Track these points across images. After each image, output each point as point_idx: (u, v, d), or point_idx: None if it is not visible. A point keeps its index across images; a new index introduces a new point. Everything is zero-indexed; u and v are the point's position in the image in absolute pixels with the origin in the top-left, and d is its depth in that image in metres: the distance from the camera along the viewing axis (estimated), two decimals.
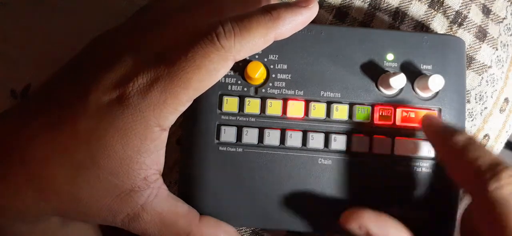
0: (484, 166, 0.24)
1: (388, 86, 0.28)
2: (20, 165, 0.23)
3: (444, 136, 0.26)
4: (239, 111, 0.29)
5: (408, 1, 0.34)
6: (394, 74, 0.27)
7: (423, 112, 0.29)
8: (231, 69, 0.24)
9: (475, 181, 0.24)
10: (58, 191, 0.23)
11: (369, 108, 0.29)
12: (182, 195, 0.28)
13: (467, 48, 0.34)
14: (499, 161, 0.24)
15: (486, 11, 0.35)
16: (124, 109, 0.23)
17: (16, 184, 0.23)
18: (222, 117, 0.29)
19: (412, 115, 0.29)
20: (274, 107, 0.29)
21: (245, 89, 0.29)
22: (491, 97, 0.35)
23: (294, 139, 0.29)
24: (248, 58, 0.29)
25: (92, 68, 0.25)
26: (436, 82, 0.27)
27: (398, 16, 0.34)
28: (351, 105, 0.29)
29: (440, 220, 0.29)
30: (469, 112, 0.34)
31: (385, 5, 0.34)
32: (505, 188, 0.23)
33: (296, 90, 0.29)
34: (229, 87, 0.29)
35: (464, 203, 0.36)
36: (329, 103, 0.29)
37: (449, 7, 0.34)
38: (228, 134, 0.29)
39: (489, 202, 0.23)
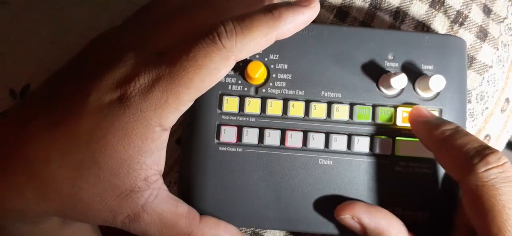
0: (472, 151, 0.24)
1: (389, 86, 0.28)
2: (20, 165, 0.23)
3: (433, 125, 0.27)
4: (239, 111, 0.29)
5: (409, 1, 0.34)
6: (395, 74, 0.27)
7: None
8: (231, 69, 0.24)
9: (463, 167, 0.24)
10: (58, 191, 0.23)
11: (370, 108, 0.29)
12: (182, 195, 0.28)
13: (468, 48, 0.34)
14: (487, 146, 0.25)
15: (487, 11, 0.35)
16: (125, 109, 0.23)
17: (17, 184, 0.23)
18: (222, 117, 0.29)
19: None
20: (274, 107, 0.29)
21: (246, 89, 0.29)
22: (492, 97, 0.35)
23: (294, 139, 0.29)
24: (248, 58, 0.28)
25: (93, 68, 0.25)
26: (437, 82, 0.27)
27: (399, 16, 0.34)
28: (352, 105, 0.29)
29: (440, 221, 0.29)
30: (470, 112, 0.34)
31: (386, 5, 0.34)
32: (492, 172, 0.23)
33: (297, 90, 0.29)
34: (229, 86, 0.29)
35: None
36: (329, 103, 0.29)
37: (450, 7, 0.34)
38: (228, 134, 0.29)
39: (477, 186, 0.23)
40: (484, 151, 0.24)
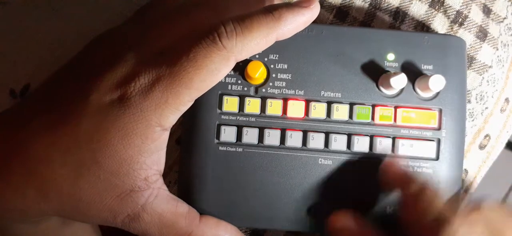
0: (431, 218, 0.24)
1: (388, 86, 0.28)
2: (20, 165, 0.23)
3: (401, 182, 0.27)
4: (239, 111, 0.29)
5: (409, 1, 0.34)
6: (395, 74, 0.27)
7: (424, 112, 0.29)
8: (231, 69, 0.24)
9: (430, 231, 0.24)
10: (59, 191, 0.23)
11: (370, 108, 0.29)
12: (182, 195, 0.28)
13: (468, 48, 0.34)
14: (445, 213, 0.24)
15: (487, 11, 0.35)
16: (125, 109, 0.23)
17: (17, 184, 0.23)
18: (222, 116, 0.29)
19: (413, 115, 0.29)
20: (274, 107, 0.29)
21: (245, 88, 0.29)
22: (492, 97, 0.35)
23: (294, 139, 0.29)
24: (248, 58, 0.28)
25: (93, 68, 0.25)
26: (437, 82, 0.27)
27: (399, 16, 0.34)
28: (352, 105, 0.29)
29: None
30: (470, 112, 0.34)
31: (386, 5, 0.34)
32: None
33: (297, 90, 0.29)
34: (229, 86, 0.29)
35: (464, 203, 0.36)
36: (329, 103, 0.29)
37: (450, 7, 0.34)
38: (228, 134, 0.29)
39: None
40: (442, 221, 0.24)
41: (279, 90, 0.29)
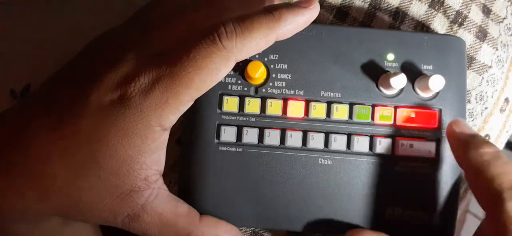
0: (507, 184, 0.23)
1: (388, 86, 0.28)
2: (21, 165, 0.23)
3: (470, 144, 0.25)
4: (239, 111, 0.29)
5: (409, 1, 0.34)
6: (395, 74, 0.27)
7: (423, 112, 0.29)
8: (231, 69, 0.24)
9: (492, 200, 0.23)
10: (59, 191, 0.23)
11: (370, 108, 0.29)
12: (182, 195, 0.28)
13: (468, 48, 0.34)
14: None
15: (487, 11, 0.35)
16: (125, 109, 0.23)
17: (17, 185, 0.23)
18: (222, 116, 0.29)
19: (413, 115, 0.29)
20: (274, 107, 0.29)
21: (245, 88, 0.29)
22: (492, 97, 0.35)
23: (294, 139, 0.29)
24: (248, 58, 0.29)
25: (93, 68, 0.25)
26: (436, 82, 0.27)
27: (399, 16, 0.34)
28: (352, 105, 0.29)
29: (440, 221, 0.29)
30: (470, 112, 0.34)
31: (386, 5, 0.34)
32: None
33: (296, 90, 0.29)
34: (229, 86, 0.29)
35: (464, 203, 0.36)
36: (329, 103, 0.29)
37: (450, 7, 0.34)
38: (228, 134, 0.29)
39: (505, 224, 0.22)
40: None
41: (279, 90, 0.29)
